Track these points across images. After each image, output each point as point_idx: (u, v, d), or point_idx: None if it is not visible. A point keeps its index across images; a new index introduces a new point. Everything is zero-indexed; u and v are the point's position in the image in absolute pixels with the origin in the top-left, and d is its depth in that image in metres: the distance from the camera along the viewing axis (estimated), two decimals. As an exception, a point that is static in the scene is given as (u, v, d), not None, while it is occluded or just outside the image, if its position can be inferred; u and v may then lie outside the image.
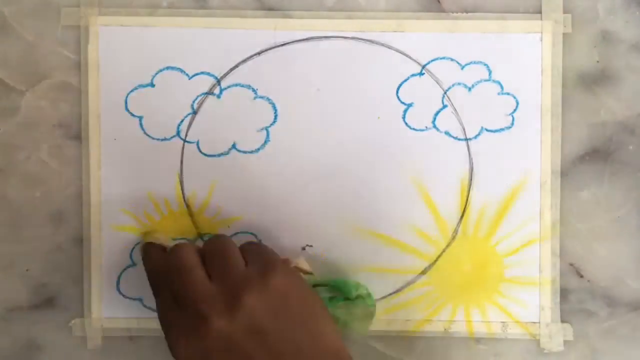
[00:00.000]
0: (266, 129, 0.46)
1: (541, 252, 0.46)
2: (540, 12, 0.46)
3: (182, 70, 0.46)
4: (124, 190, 0.46)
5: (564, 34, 0.46)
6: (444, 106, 0.46)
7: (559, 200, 0.46)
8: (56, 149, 0.46)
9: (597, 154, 0.47)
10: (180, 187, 0.46)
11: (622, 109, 0.46)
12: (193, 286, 0.38)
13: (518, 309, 0.47)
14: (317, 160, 0.46)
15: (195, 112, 0.46)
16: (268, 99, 0.46)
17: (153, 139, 0.46)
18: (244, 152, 0.46)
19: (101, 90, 0.46)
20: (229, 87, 0.46)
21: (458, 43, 0.46)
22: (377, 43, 0.46)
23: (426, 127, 0.46)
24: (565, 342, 0.47)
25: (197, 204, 0.46)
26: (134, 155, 0.46)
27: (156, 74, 0.46)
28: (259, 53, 0.46)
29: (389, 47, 0.46)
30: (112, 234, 0.46)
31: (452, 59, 0.46)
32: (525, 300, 0.47)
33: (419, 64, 0.46)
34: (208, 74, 0.46)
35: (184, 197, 0.46)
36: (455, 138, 0.46)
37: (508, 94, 0.46)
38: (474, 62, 0.46)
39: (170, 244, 0.44)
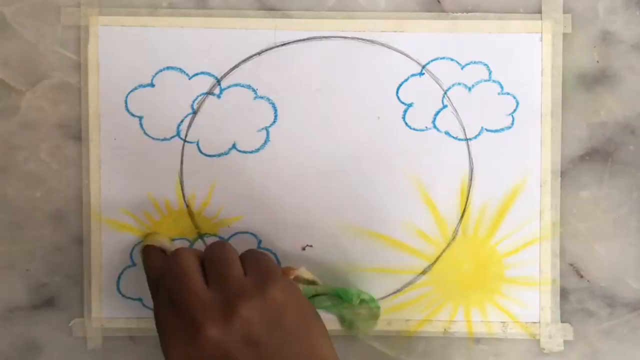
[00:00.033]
0: (266, 129, 0.46)
1: (541, 252, 0.46)
2: (540, 12, 0.46)
3: (182, 70, 0.46)
4: (124, 190, 0.46)
5: (564, 34, 0.46)
6: (444, 106, 0.46)
7: (559, 200, 0.46)
8: (56, 149, 0.46)
9: (597, 154, 0.47)
10: (180, 187, 0.46)
11: (622, 109, 0.46)
12: (190, 293, 0.38)
13: (518, 309, 0.47)
14: (317, 160, 0.46)
15: (195, 112, 0.46)
16: (268, 99, 0.46)
17: (153, 139, 0.46)
18: (244, 152, 0.46)
19: (101, 90, 0.46)
20: (229, 87, 0.46)
21: (458, 43, 0.46)
22: (377, 43, 0.46)
23: (426, 127, 0.46)
24: (565, 342, 0.47)
25: (197, 204, 0.46)
26: (134, 155, 0.46)
27: (156, 74, 0.46)
28: (259, 53, 0.46)
29: (389, 47, 0.46)
30: (112, 234, 0.46)
31: (452, 59, 0.46)
32: (525, 300, 0.47)
33: (419, 64, 0.46)
34: (208, 74, 0.46)
35: (184, 197, 0.46)
36: (455, 138, 0.46)
37: (508, 94, 0.46)
38: (474, 62, 0.46)
39: (170, 246, 0.44)
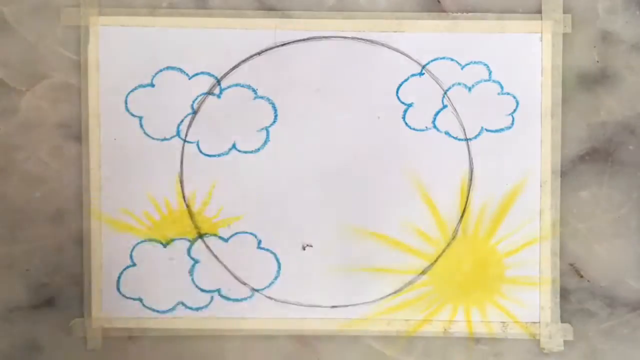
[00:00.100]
0: (266, 129, 0.46)
1: (541, 252, 0.46)
2: (540, 12, 0.46)
3: (182, 70, 0.46)
4: (124, 190, 0.46)
5: (564, 34, 0.46)
6: (444, 106, 0.46)
7: (559, 200, 0.46)
8: (56, 149, 0.46)
9: (597, 154, 0.47)
10: (180, 187, 0.46)
11: (622, 109, 0.46)
12: None
13: (518, 309, 0.47)
14: (317, 160, 0.46)
15: (195, 112, 0.46)
16: (268, 99, 0.46)
17: (153, 139, 0.46)
18: (244, 152, 0.46)
19: (101, 90, 0.46)
20: (229, 87, 0.46)
21: (458, 43, 0.46)
22: (377, 43, 0.46)
23: (426, 127, 0.46)
24: (565, 342, 0.47)
25: (197, 204, 0.46)
26: (134, 155, 0.46)
27: (156, 74, 0.46)
28: (259, 53, 0.46)
29: (389, 47, 0.46)
30: (112, 234, 0.46)
31: (452, 59, 0.46)
32: (525, 300, 0.47)
33: (419, 64, 0.46)
34: (208, 74, 0.46)
35: (184, 197, 0.46)
36: (455, 138, 0.46)
37: (508, 94, 0.46)
38: (474, 62, 0.46)
39: None
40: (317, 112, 0.46)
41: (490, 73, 0.46)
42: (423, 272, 0.47)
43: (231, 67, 0.46)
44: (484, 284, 0.47)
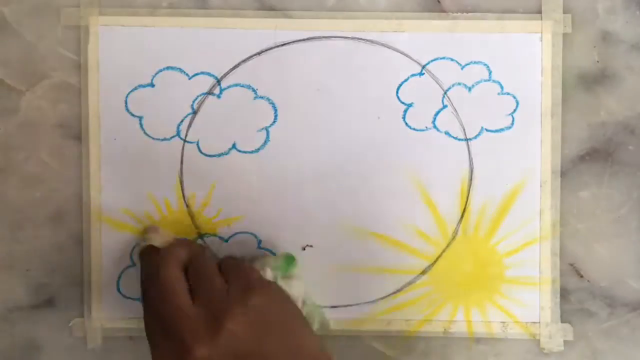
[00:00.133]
0: (266, 129, 0.46)
1: (541, 252, 0.46)
2: (540, 12, 0.46)
3: (182, 70, 0.46)
4: (124, 190, 0.46)
5: (564, 34, 0.46)
6: (444, 106, 0.46)
7: (559, 200, 0.46)
8: (56, 149, 0.46)
9: (597, 154, 0.47)
10: (180, 187, 0.46)
11: (622, 109, 0.46)
12: (176, 309, 0.38)
13: (518, 309, 0.47)
14: (317, 160, 0.46)
15: (195, 112, 0.46)
16: (268, 99, 0.46)
17: (153, 139, 0.46)
18: (244, 152, 0.46)
19: (101, 90, 0.46)
20: (229, 87, 0.46)
21: (458, 43, 0.46)
22: (377, 43, 0.46)
23: (426, 127, 0.46)
24: (565, 342, 0.47)
25: (197, 204, 0.46)
26: (134, 155, 0.46)
27: (156, 74, 0.46)
28: (259, 53, 0.46)
29: (389, 47, 0.46)
30: (112, 234, 0.46)
31: (452, 59, 0.46)
32: (525, 300, 0.47)
33: (419, 64, 0.46)
34: (208, 74, 0.46)
35: (184, 197, 0.46)
36: (455, 138, 0.46)
37: (508, 94, 0.46)
38: (474, 62, 0.46)
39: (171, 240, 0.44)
40: (317, 112, 0.46)
41: (490, 73, 0.46)
42: (423, 272, 0.47)
43: (231, 67, 0.46)
44: (484, 284, 0.47)
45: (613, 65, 0.46)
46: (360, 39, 0.46)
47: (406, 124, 0.46)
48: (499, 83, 0.46)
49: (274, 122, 0.46)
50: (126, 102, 0.46)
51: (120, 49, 0.46)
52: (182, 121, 0.46)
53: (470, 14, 0.46)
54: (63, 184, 0.46)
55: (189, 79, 0.46)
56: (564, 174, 0.46)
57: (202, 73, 0.46)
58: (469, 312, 0.47)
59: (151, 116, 0.46)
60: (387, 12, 0.46)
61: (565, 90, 0.46)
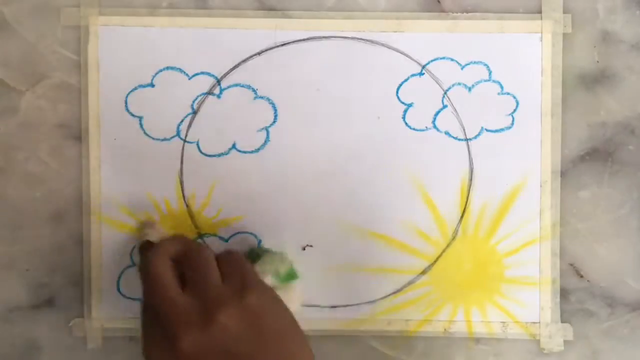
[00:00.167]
0: (266, 129, 0.46)
1: (541, 252, 0.46)
2: (540, 12, 0.46)
3: (182, 70, 0.46)
4: (124, 190, 0.46)
5: (564, 34, 0.46)
6: (444, 106, 0.46)
7: (559, 200, 0.46)
8: (56, 149, 0.46)
9: (597, 154, 0.47)
10: (180, 187, 0.46)
11: (622, 109, 0.46)
12: (164, 299, 0.37)
13: (518, 309, 0.47)
14: (317, 160, 0.46)
15: (195, 112, 0.46)
16: (268, 99, 0.46)
17: (153, 139, 0.46)
18: (244, 152, 0.46)
19: (101, 90, 0.46)
20: (229, 87, 0.46)
21: (458, 43, 0.46)
22: (377, 43, 0.46)
23: (426, 127, 0.46)
24: (565, 342, 0.47)
25: (197, 204, 0.46)
26: (134, 155, 0.46)
27: (156, 74, 0.46)
28: (259, 53, 0.46)
29: (389, 47, 0.46)
30: (112, 234, 0.46)
31: (452, 59, 0.46)
32: (525, 300, 0.47)
33: (419, 64, 0.46)
34: (208, 74, 0.46)
35: (184, 197, 0.46)
36: (455, 138, 0.46)
37: (508, 94, 0.46)
38: (474, 62, 0.46)
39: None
40: (317, 112, 0.46)
41: (490, 73, 0.46)
42: (423, 272, 0.47)
43: (231, 67, 0.46)
44: (484, 284, 0.47)
45: (613, 65, 0.46)
46: (360, 39, 0.46)
47: (406, 124, 0.46)
48: (499, 83, 0.46)
49: (274, 122, 0.46)
50: (126, 102, 0.46)
51: (120, 49, 0.46)
52: (182, 121, 0.46)
53: (470, 14, 0.46)
54: (63, 184, 0.46)
55: (189, 79, 0.46)
56: (564, 173, 0.46)
57: (202, 73, 0.46)
58: (469, 312, 0.47)
59: (151, 116, 0.46)
60: (387, 12, 0.46)
61: (565, 90, 0.46)
